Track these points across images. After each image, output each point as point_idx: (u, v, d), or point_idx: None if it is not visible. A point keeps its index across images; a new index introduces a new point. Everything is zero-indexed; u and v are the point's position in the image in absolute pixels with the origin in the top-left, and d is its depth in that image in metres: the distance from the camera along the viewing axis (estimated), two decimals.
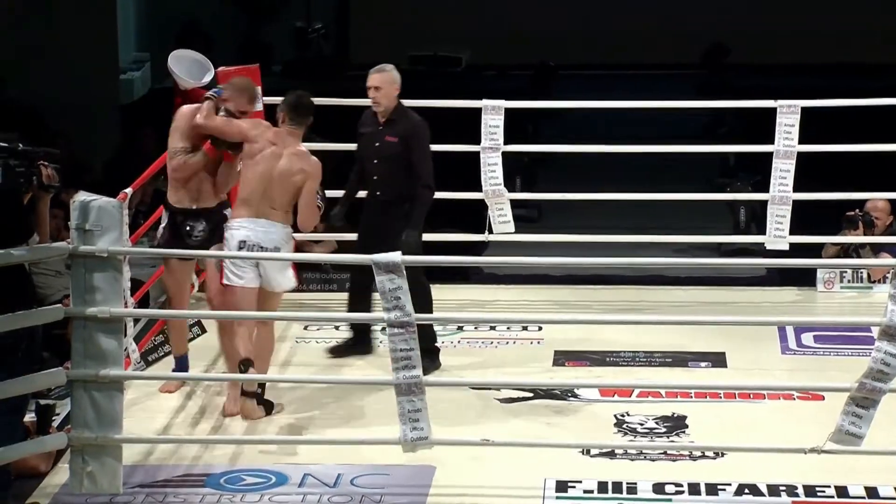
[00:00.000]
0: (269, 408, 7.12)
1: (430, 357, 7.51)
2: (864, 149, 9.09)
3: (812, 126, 8.88)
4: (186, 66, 8.55)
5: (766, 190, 8.85)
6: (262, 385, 7.09)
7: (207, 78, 8.55)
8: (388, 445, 6.20)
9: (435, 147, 8.63)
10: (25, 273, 6.08)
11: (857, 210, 8.94)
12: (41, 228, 6.12)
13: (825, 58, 17.08)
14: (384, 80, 7.74)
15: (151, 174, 7.87)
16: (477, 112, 8.76)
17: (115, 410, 6.09)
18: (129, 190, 7.18)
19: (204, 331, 7.97)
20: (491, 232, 8.78)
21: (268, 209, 7.13)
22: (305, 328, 8.33)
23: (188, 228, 7.38)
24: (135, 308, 7.52)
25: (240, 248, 7.11)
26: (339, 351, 7.94)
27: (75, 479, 6.08)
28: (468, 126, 8.85)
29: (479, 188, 8.76)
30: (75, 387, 6.05)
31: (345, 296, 8.83)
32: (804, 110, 8.72)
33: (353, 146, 9.52)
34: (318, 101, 9.36)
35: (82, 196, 6.03)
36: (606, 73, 16.49)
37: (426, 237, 8.84)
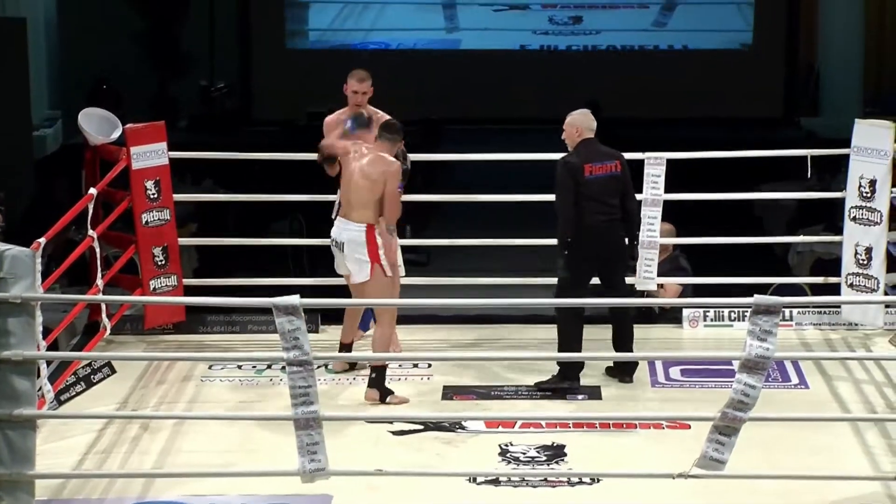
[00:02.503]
0: (384, 395, 7.67)
1: (562, 379, 7.82)
2: (723, 197, 9.23)
3: (678, 175, 9.01)
4: (96, 123, 8.50)
5: None
6: (381, 375, 7.70)
7: (116, 134, 8.51)
8: (287, 477, 6.17)
9: (332, 197, 8.67)
10: None
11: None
12: None
13: (689, 113, 17.37)
14: (566, 124, 8.00)
15: (63, 225, 7.78)
16: None
17: (29, 448, 6.02)
18: (42, 240, 7.10)
19: (114, 371, 7.87)
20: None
21: (348, 209, 7.84)
22: (210, 367, 8.26)
23: None
24: (46, 351, 7.42)
25: (331, 243, 7.91)
26: (545, 386, 7.90)
27: None
28: None
29: None
30: None
31: (246, 337, 8.82)
32: (670, 161, 8.85)
33: (253, 196, 9.52)
34: (220, 155, 9.43)
35: None
36: (490, 127, 16.61)
37: (323, 281, 8.88)
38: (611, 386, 7.93)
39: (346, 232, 7.82)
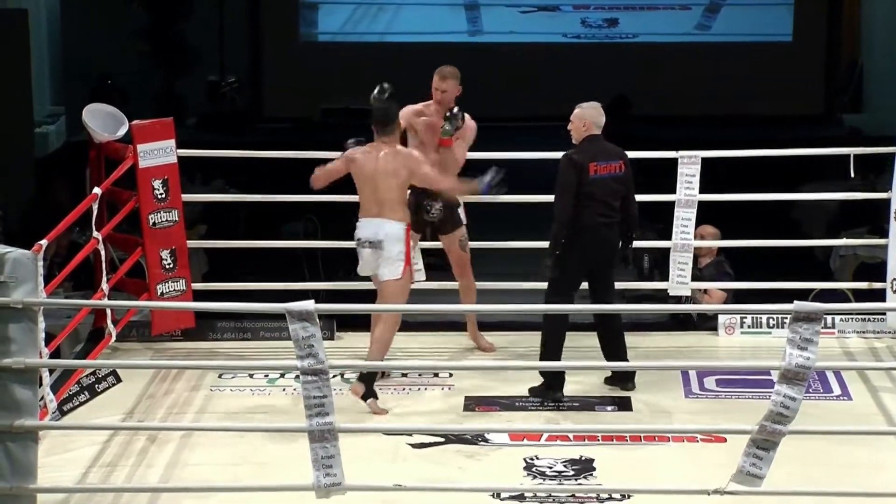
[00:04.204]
0: (368, 395, 7.70)
1: (547, 389, 7.81)
2: (761, 198, 9.21)
3: (712, 175, 9.00)
4: (100, 119, 8.52)
5: (669, 237, 8.94)
6: (371, 377, 7.75)
7: (122, 131, 8.53)
8: (301, 492, 6.18)
9: (348, 197, 8.70)
10: None
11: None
12: None
13: (725, 110, 17.33)
14: (573, 116, 8.02)
15: (66, 226, 7.81)
16: None
17: (30, 460, 6.03)
18: (44, 242, 7.12)
19: (119, 380, 7.89)
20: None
21: (382, 208, 7.85)
22: (220, 376, 8.28)
23: (427, 206, 8.32)
24: (49, 359, 7.43)
25: (357, 244, 7.89)
26: (536, 392, 7.92)
27: None
28: None
29: None
30: None
31: (258, 344, 8.83)
32: (705, 161, 8.83)
33: (265, 197, 9.54)
34: (231, 153, 9.44)
35: None
36: (515, 125, 16.57)
37: (339, 285, 8.89)
38: (642, 396, 7.91)
39: (386, 228, 7.84)
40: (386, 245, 7.83)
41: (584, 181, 7.82)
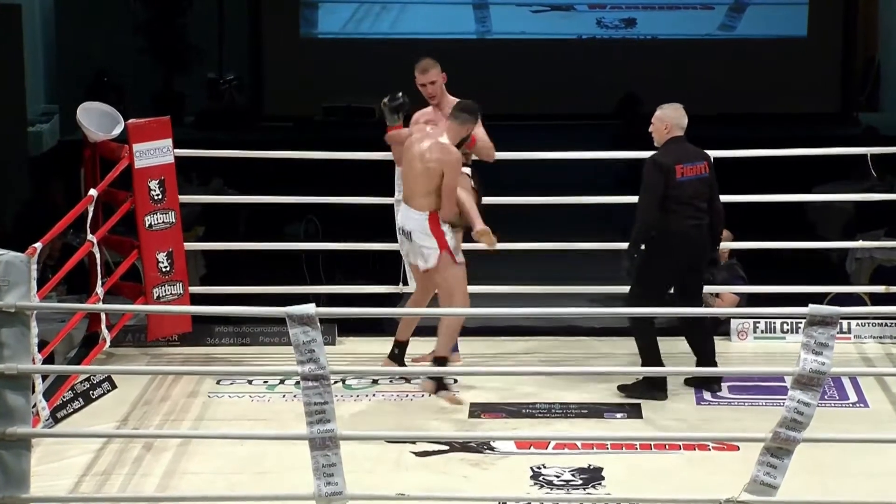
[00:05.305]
0: (440, 388, 7.94)
1: (651, 387, 7.89)
2: (775, 199, 9.20)
3: (724, 175, 8.99)
4: (96, 118, 8.53)
5: None
6: (443, 365, 7.98)
7: (117, 130, 8.54)
8: (302, 501, 6.18)
9: (350, 199, 8.71)
10: None
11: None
12: None
13: (737, 108, 17.31)
14: (654, 118, 8.08)
15: (61, 228, 7.81)
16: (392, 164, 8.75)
17: (23, 469, 6.04)
18: (38, 244, 7.13)
19: (114, 386, 7.89)
20: (406, 283, 8.78)
21: (410, 195, 7.91)
22: (218, 382, 8.28)
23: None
24: (42, 364, 7.44)
25: (398, 231, 8.03)
26: (629, 390, 7.98)
27: None
28: (385, 177, 8.85)
29: (395, 239, 8.74)
30: None
31: (257, 349, 8.84)
32: (716, 160, 8.82)
33: (265, 198, 9.54)
34: (229, 153, 9.44)
35: None
36: (522, 123, 16.57)
37: (340, 289, 8.88)
38: (652, 403, 7.91)
39: (411, 221, 7.95)
40: (414, 237, 7.95)
41: (671, 184, 7.87)
